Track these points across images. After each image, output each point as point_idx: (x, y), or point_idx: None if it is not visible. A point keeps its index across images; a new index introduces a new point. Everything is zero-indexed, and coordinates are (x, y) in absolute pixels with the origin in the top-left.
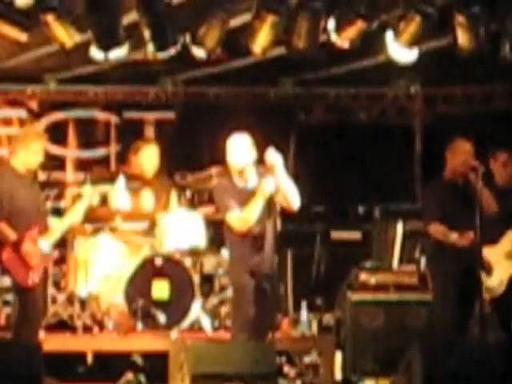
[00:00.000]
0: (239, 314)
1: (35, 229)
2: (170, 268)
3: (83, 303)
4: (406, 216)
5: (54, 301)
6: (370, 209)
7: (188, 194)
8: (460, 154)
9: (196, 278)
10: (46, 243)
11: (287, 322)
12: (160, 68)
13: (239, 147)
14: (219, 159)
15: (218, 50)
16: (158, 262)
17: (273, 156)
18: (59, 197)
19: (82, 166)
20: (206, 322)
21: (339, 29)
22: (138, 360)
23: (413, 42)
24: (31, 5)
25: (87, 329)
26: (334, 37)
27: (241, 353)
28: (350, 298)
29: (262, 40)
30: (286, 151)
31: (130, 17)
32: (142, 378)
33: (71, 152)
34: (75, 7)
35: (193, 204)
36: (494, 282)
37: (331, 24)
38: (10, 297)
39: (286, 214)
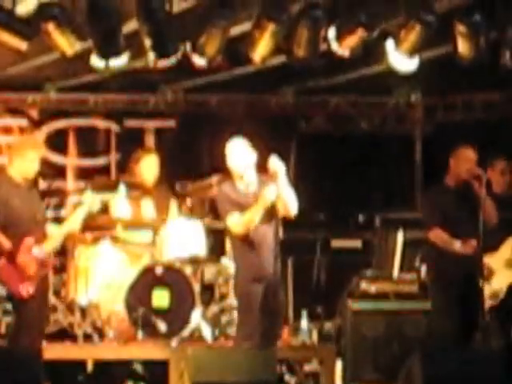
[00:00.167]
0: (244, 322)
1: (31, 238)
2: (171, 276)
3: (83, 311)
4: (406, 224)
5: (55, 309)
6: (370, 217)
7: (188, 202)
8: (464, 162)
9: (196, 287)
10: (42, 251)
11: (287, 331)
12: (160, 76)
13: (238, 151)
14: (219, 168)
15: (219, 59)
16: (159, 270)
17: (276, 163)
18: (60, 205)
19: (83, 174)
20: (207, 331)
21: (340, 37)
22: (139, 368)
23: (413, 51)
24: (32, 13)
25: (88, 337)
26: (334, 45)
27: (241, 361)
28: (351, 306)
29: (262, 48)
30: (287, 159)
31: (131, 25)
32: None
33: (72, 160)
34: (76, 16)
35: (193, 213)
36: (494, 289)
37: (332, 33)
38: (10, 306)
39: (286, 222)
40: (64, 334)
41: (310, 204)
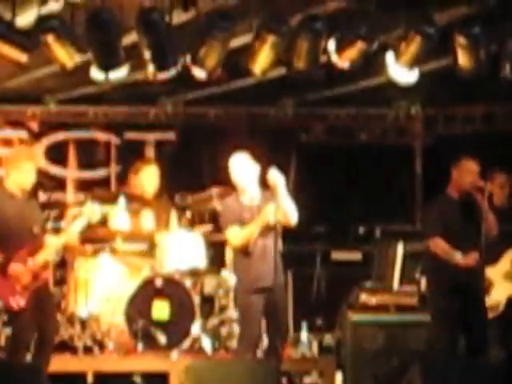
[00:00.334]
0: (245, 334)
1: (24, 250)
2: (171, 289)
3: (83, 324)
4: (406, 237)
5: None
6: (370, 229)
7: (188, 214)
8: (467, 174)
9: (196, 299)
10: (35, 263)
11: (287, 343)
12: (160, 89)
13: (242, 165)
14: (219, 180)
15: (219, 71)
16: (159, 282)
17: (275, 176)
18: (60, 217)
19: (83, 186)
20: (207, 343)
21: (340, 49)
22: (139, 380)
23: (413, 63)
24: (31, 25)
25: (88, 349)
26: (334, 57)
27: (241, 373)
28: (351, 318)
29: (262, 61)
30: (287, 171)
31: (130, 37)
32: None
33: (72, 172)
34: (75, 28)
35: (193, 224)
36: (493, 302)
37: (332, 45)
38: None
39: (286, 234)
40: (64, 346)
41: (310, 216)
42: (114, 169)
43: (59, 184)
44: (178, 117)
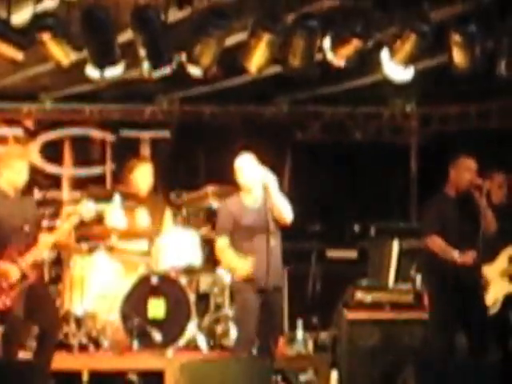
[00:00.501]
0: (240, 332)
1: (14, 248)
2: (166, 286)
3: (79, 321)
4: (401, 234)
5: None
6: (365, 227)
7: (183, 212)
8: (465, 172)
9: (192, 297)
10: (24, 262)
11: (283, 341)
12: (156, 87)
13: (249, 166)
14: (215, 178)
15: (214, 69)
16: (154, 280)
17: (266, 176)
18: (55, 215)
19: (78, 184)
20: (202, 341)
21: (335, 47)
22: (134, 379)
23: (408, 61)
24: (27, 23)
25: (83, 347)
26: (329, 55)
27: (236, 372)
28: (346, 316)
29: (257, 58)
30: (282, 170)
31: (126, 35)
32: None
33: (67, 170)
34: (71, 26)
35: (188, 222)
36: (489, 300)
37: (327, 43)
38: None
39: (281, 232)
40: (59, 345)
41: (306, 214)
42: (109, 167)
43: (55, 182)
44: (174, 115)
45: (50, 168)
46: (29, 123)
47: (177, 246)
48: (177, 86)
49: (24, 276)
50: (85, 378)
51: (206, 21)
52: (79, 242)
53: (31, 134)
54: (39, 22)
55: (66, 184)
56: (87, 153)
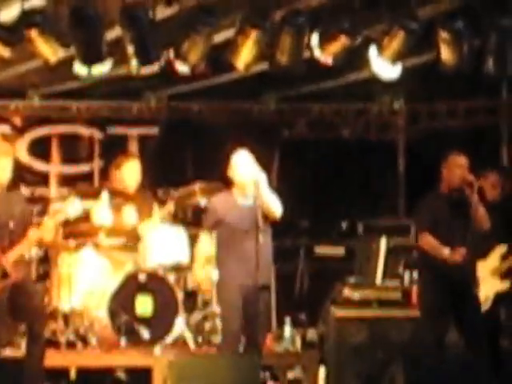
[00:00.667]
0: (227, 329)
1: None
2: (154, 284)
3: (67, 318)
4: (389, 231)
5: None
6: (353, 224)
7: (171, 209)
8: (456, 169)
9: (179, 294)
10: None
11: (271, 338)
12: (143, 83)
13: (245, 162)
14: (203, 175)
15: (202, 66)
16: (142, 277)
17: (255, 172)
18: (43, 212)
19: (66, 181)
20: (190, 338)
21: (322, 44)
22: (122, 376)
23: (396, 58)
24: (15, 20)
25: (71, 344)
26: (317, 52)
27: (224, 368)
28: (334, 313)
29: (245, 56)
30: (270, 167)
31: (114, 32)
32: None
33: (55, 167)
34: (59, 23)
35: (176, 219)
36: (480, 297)
37: (315, 40)
38: None
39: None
40: (47, 342)
41: (294, 211)
42: (97, 164)
43: (42, 179)
44: (162, 112)
45: (38, 165)
46: (16, 120)
47: (164, 243)
48: (165, 82)
49: (5, 275)
50: (72, 375)
51: (194, 18)
52: (67, 240)
53: (19, 131)
54: (27, 18)
55: (53, 181)
56: (75, 150)
